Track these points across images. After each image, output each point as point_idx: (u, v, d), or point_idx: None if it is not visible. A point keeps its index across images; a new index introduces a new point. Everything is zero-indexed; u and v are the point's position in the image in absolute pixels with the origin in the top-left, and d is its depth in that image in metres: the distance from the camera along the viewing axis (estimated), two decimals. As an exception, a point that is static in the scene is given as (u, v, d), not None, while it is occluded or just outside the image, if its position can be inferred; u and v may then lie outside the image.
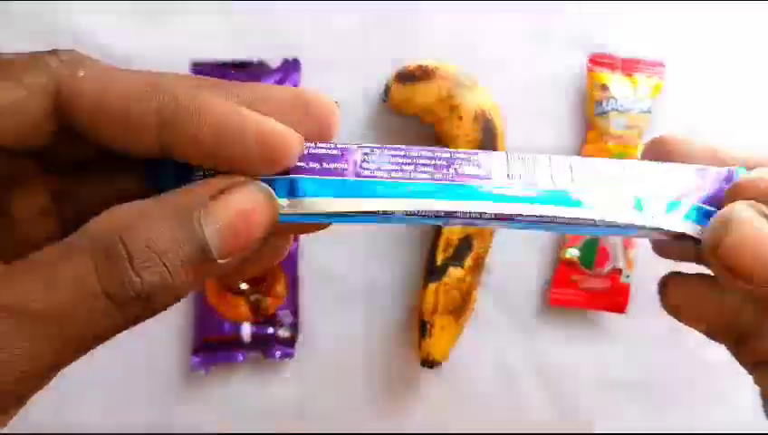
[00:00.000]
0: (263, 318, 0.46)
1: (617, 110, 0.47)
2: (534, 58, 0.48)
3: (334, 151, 0.20)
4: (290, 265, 0.47)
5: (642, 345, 0.49)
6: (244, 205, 0.17)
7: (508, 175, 0.21)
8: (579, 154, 0.48)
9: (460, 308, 0.45)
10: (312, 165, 0.20)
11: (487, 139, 0.44)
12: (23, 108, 0.17)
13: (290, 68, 0.46)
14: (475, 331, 0.48)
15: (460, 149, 0.21)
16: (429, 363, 0.46)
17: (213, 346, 0.46)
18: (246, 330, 0.46)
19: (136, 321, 0.17)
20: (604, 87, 0.47)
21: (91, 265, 0.16)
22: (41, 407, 0.46)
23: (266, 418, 0.47)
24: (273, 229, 0.18)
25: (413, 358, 0.47)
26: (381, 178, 0.20)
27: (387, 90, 0.45)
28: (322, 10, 0.47)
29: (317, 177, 0.20)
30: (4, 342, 0.16)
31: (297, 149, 0.19)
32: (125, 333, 0.18)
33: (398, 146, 0.21)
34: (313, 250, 0.48)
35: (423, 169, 0.21)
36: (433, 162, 0.21)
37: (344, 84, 0.47)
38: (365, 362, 0.48)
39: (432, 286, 0.45)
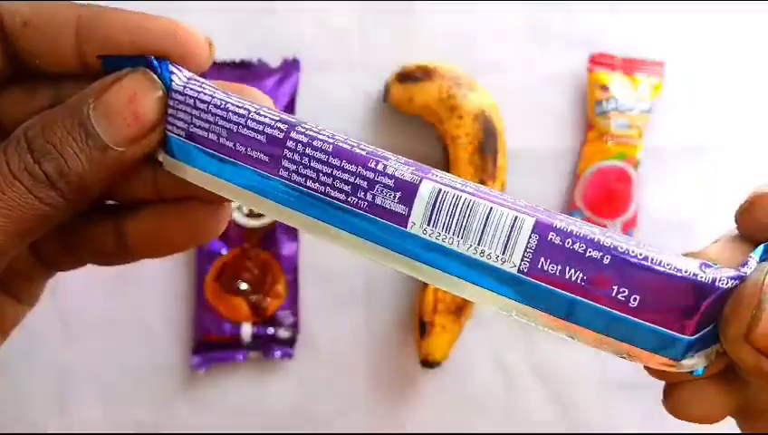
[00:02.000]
0: (263, 318, 0.46)
1: (617, 110, 0.47)
2: (534, 58, 0.48)
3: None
4: (290, 266, 0.47)
5: (642, 345, 0.49)
6: (127, 90, 0.19)
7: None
8: (579, 154, 0.48)
9: (460, 308, 0.45)
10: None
11: (487, 139, 0.44)
12: None
13: (290, 68, 0.46)
14: (475, 331, 0.48)
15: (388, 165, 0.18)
16: (429, 363, 0.46)
17: (213, 346, 0.46)
18: (246, 330, 0.46)
19: (60, 209, 0.19)
20: (604, 87, 0.47)
21: (2, 157, 0.19)
22: (41, 407, 0.46)
23: (266, 418, 0.47)
24: (161, 115, 0.20)
25: (413, 358, 0.47)
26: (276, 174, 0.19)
27: (387, 90, 0.45)
28: (322, 10, 0.47)
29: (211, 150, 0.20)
30: None
31: (206, 46, 0.21)
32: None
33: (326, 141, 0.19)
34: (313, 250, 0.48)
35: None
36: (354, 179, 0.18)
37: (344, 84, 0.47)
38: (365, 362, 0.48)
39: (432, 286, 0.45)
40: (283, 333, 0.47)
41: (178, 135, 0.20)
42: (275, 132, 0.19)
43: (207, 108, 0.19)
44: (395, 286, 0.48)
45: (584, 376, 0.49)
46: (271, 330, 0.47)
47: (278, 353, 0.47)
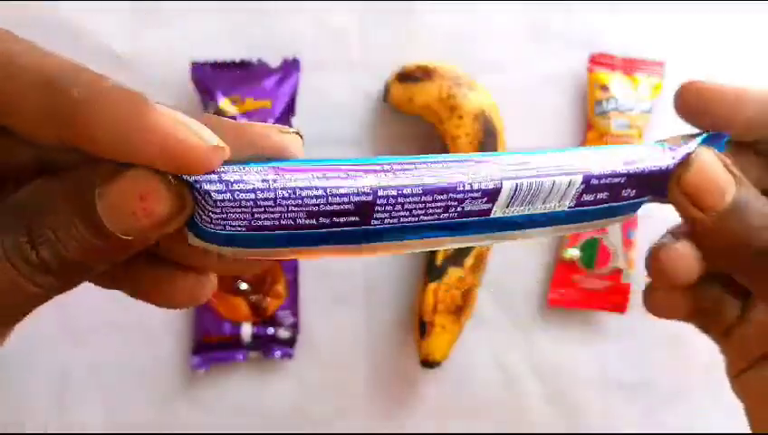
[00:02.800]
0: (263, 318, 0.46)
1: (617, 110, 0.47)
2: (534, 58, 0.48)
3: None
4: (290, 266, 0.47)
5: (642, 345, 0.49)
6: (138, 183, 0.17)
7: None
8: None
9: (460, 308, 0.45)
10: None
11: (487, 138, 0.44)
12: None
13: (290, 68, 0.46)
14: (475, 331, 0.48)
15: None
16: (429, 363, 0.46)
17: (213, 346, 0.46)
18: (246, 330, 0.46)
19: (52, 291, 0.18)
20: (604, 87, 0.47)
21: None
22: (41, 407, 0.46)
23: (266, 418, 0.47)
24: (179, 221, 0.18)
25: (413, 358, 0.47)
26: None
27: (387, 90, 0.45)
28: (322, 10, 0.47)
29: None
30: None
31: (208, 161, 0.17)
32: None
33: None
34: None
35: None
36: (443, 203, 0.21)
37: (344, 84, 0.47)
38: (365, 362, 0.48)
39: (432, 286, 0.45)
40: (283, 333, 0.47)
41: (234, 231, 0.19)
42: (362, 198, 0.19)
43: (275, 203, 0.18)
44: (395, 286, 0.48)
45: (584, 376, 0.49)
46: (271, 330, 0.47)
47: (278, 353, 0.47)
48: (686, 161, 0.23)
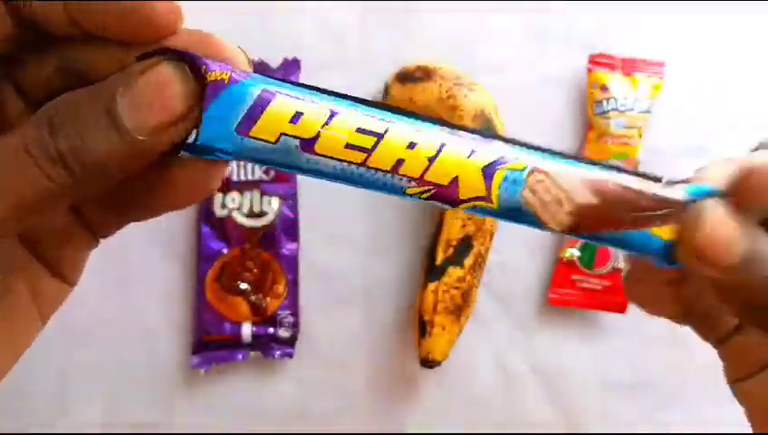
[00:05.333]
0: (263, 318, 0.46)
1: (617, 110, 0.47)
2: (534, 58, 0.48)
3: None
4: (290, 266, 0.47)
5: (642, 345, 0.49)
6: (158, 79, 0.19)
7: None
8: (579, 154, 0.48)
9: (460, 308, 0.45)
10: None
11: (487, 139, 0.44)
12: None
13: (290, 68, 0.46)
14: (475, 331, 0.48)
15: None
16: (429, 363, 0.46)
17: (213, 346, 0.46)
18: (246, 330, 0.46)
19: (65, 189, 0.19)
20: (604, 87, 0.47)
21: (21, 136, 0.18)
22: (41, 407, 0.46)
23: (266, 418, 0.47)
24: (193, 107, 0.19)
25: (413, 358, 0.47)
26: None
27: (387, 90, 0.45)
28: (322, 10, 0.47)
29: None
30: None
31: (242, 55, 0.20)
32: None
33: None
34: (313, 250, 0.48)
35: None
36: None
37: (344, 84, 0.47)
38: (365, 362, 0.48)
39: (432, 286, 0.45)
40: (283, 333, 0.47)
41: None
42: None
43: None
44: (395, 286, 0.48)
45: (584, 376, 0.49)
46: (271, 330, 0.47)
47: (278, 353, 0.47)
48: (692, 218, 0.21)
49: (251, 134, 0.19)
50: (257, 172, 0.47)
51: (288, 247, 0.47)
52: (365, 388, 0.48)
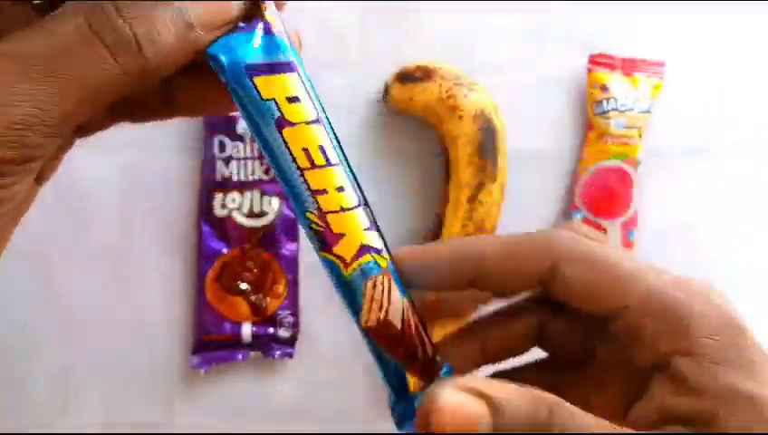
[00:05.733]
0: (263, 318, 0.46)
1: (617, 110, 0.47)
2: (534, 58, 0.48)
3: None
4: (290, 266, 0.47)
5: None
6: None
7: None
8: (579, 154, 0.48)
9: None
10: None
11: (487, 139, 0.44)
12: None
13: (290, 68, 0.46)
14: (475, 331, 0.48)
15: None
16: (429, 363, 0.46)
17: (213, 346, 0.46)
18: (246, 330, 0.46)
19: (132, 77, 0.18)
20: (604, 87, 0.47)
21: (83, 18, 0.17)
22: (41, 407, 0.46)
23: (266, 418, 0.47)
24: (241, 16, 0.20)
25: (413, 358, 0.47)
26: None
27: (387, 90, 0.45)
28: (322, 10, 0.47)
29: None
30: (6, 87, 0.17)
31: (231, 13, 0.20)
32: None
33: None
34: (313, 250, 0.47)
35: None
36: None
37: (344, 84, 0.47)
38: (365, 362, 0.48)
39: (432, 286, 0.45)
40: (283, 333, 0.47)
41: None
42: None
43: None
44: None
45: (584, 376, 0.49)
46: (271, 330, 0.47)
47: (278, 353, 0.47)
48: (428, 409, 0.21)
49: (255, 80, 0.21)
50: (257, 172, 0.47)
51: (288, 247, 0.47)
52: (365, 388, 0.48)
